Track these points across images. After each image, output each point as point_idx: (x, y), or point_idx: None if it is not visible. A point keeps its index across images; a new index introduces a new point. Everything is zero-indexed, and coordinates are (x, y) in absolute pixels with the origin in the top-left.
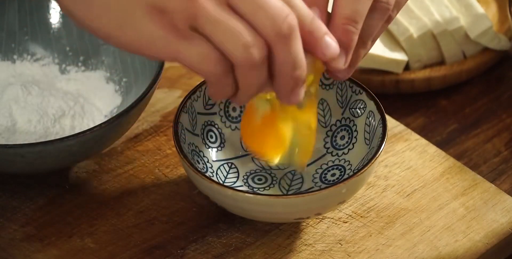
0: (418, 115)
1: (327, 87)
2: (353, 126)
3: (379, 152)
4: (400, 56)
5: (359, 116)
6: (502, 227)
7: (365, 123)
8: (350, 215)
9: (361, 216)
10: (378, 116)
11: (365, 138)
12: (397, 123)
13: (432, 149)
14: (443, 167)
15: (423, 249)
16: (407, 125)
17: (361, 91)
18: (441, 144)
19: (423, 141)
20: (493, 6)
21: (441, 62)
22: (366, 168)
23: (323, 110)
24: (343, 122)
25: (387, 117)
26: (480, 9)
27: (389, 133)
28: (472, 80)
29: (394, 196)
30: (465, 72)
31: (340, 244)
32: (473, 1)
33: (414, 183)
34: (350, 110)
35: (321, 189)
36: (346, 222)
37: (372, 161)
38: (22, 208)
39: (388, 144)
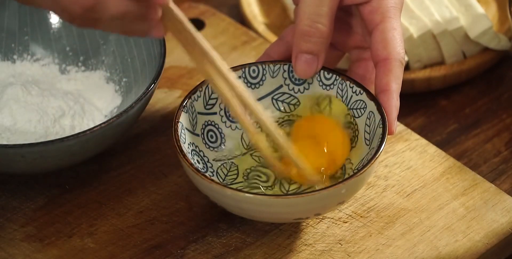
0: (418, 115)
1: (328, 87)
2: (353, 126)
3: (378, 153)
4: None
5: (359, 117)
6: (502, 227)
7: (365, 124)
8: (350, 215)
9: (361, 216)
10: (378, 117)
11: (365, 139)
12: (397, 123)
13: (432, 149)
14: (443, 167)
15: (423, 249)
16: (407, 125)
17: (362, 91)
18: (441, 144)
19: (423, 141)
20: (493, 6)
21: (441, 62)
22: (365, 168)
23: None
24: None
25: None
26: (480, 9)
27: None
28: (472, 80)
29: (394, 196)
30: (465, 72)
31: (340, 244)
32: (473, 1)
33: (414, 183)
34: (351, 110)
35: (320, 189)
36: (346, 222)
37: (372, 162)
38: (22, 208)
39: (388, 144)
